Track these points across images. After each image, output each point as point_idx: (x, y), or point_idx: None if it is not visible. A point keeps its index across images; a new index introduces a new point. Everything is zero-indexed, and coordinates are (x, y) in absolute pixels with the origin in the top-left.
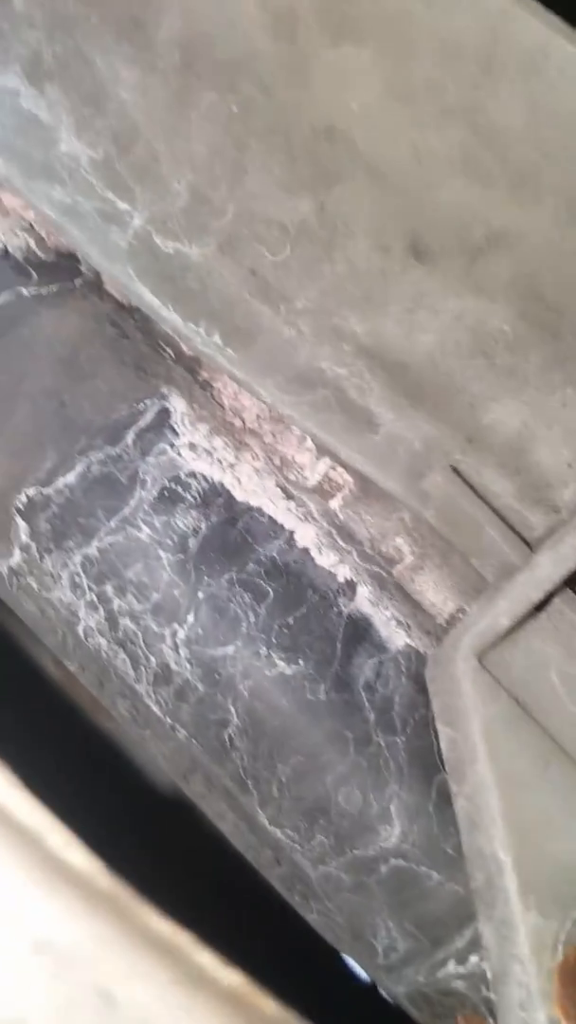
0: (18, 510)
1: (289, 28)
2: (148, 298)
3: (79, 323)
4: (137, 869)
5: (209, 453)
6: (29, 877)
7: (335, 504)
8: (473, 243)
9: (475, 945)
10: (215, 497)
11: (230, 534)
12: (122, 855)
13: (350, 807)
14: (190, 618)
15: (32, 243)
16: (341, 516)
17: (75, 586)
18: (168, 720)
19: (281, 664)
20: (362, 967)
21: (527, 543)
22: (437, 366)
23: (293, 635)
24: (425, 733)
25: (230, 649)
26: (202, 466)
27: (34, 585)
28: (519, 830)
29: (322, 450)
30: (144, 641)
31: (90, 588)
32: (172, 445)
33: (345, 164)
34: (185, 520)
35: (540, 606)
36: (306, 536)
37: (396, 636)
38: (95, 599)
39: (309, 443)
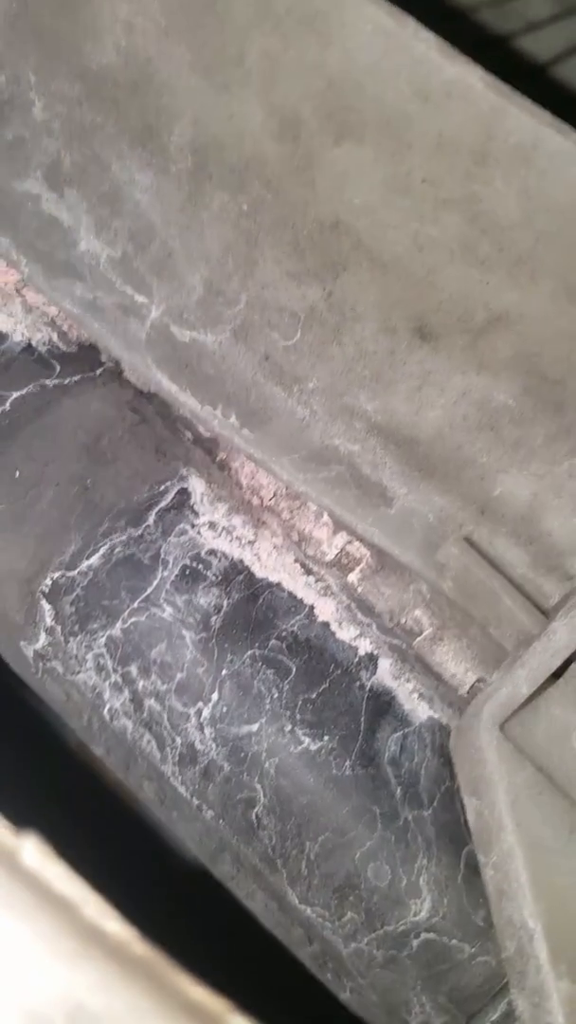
0: (43, 593)
1: (294, 131)
2: (167, 384)
3: (101, 410)
4: (171, 937)
5: (228, 531)
6: (65, 945)
7: (353, 578)
8: (475, 323)
9: (509, 1017)
10: (236, 574)
11: (251, 610)
12: (156, 924)
13: (379, 882)
14: (214, 696)
15: (55, 336)
16: (360, 589)
17: (100, 668)
18: (195, 801)
19: (306, 740)
20: None
21: (543, 611)
22: (446, 440)
23: (317, 710)
24: (451, 805)
25: (255, 727)
26: (222, 544)
27: (59, 668)
28: (548, 897)
29: (339, 525)
30: (169, 721)
31: (115, 669)
32: (192, 525)
33: (350, 254)
34: (207, 598)
35: (558, 673)
36: (326, 610)
37: (419, 709)
38: (120, 680)
39: (326, 518)
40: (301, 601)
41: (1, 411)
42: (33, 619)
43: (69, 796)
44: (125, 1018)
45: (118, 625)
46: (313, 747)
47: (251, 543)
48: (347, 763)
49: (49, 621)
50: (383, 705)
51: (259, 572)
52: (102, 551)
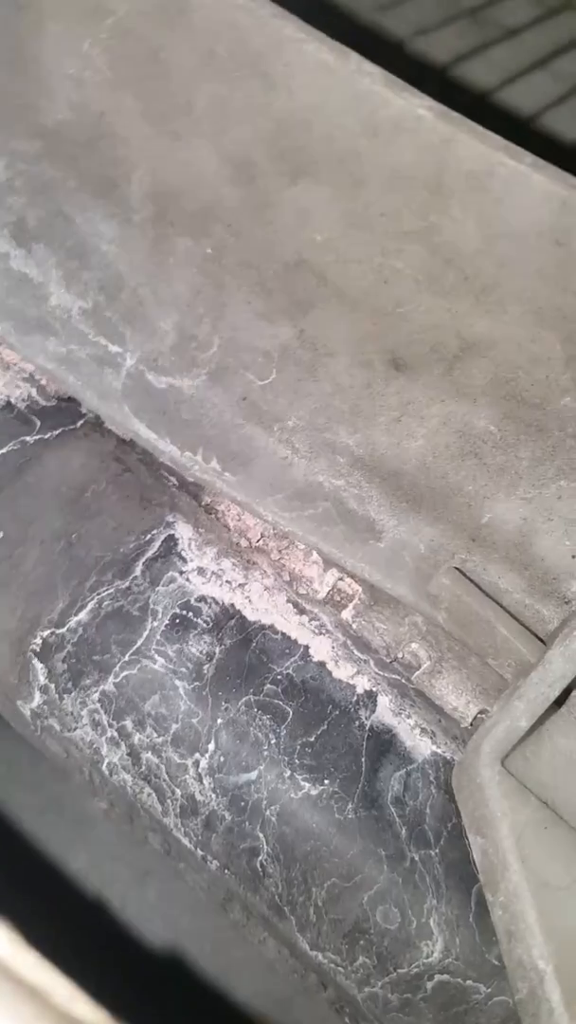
0: (35, 652)
1: (248, 174)
2: (145, 433)
3: (83, 463)
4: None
5: (218, 575)
6: None
7: (347, 614)
8: (449, 352)
9: None
10: (227, 619)
11: (245, 655)
12: (127, 1006)
13: (389, 925)
14: (211, 746)
15: (34, 391)
16: (354, 626)
17: (95, 724)
18: (199, 852)
19: (306, 785)
20: None
21: (540, 638)
22: (431, 470)
23: (316, 754)
24: (459, 843)
25: (253, 775)
26: (212, 589)
27: (56, 726)
28: (558, 937)
29: (329, 562)
30: (168, 774)
31: (110, 724)
32: (181, 572)
33: (317, 291)
34: (199, 646)
35: (560, 700)
36: (321, 649)
37: (421, 745)
38: (116, 735)
39: (316, 556)
40: (295, 642)
41: None
42: (27, 678)
43: (33, 884)
44: None
45: (110, 680)
46: (314, 792)
47: (241, 586)
48: (349, 806)
49: (42, 680)
50: (384, 743)
51: (251, 615)
52: (90, 606)
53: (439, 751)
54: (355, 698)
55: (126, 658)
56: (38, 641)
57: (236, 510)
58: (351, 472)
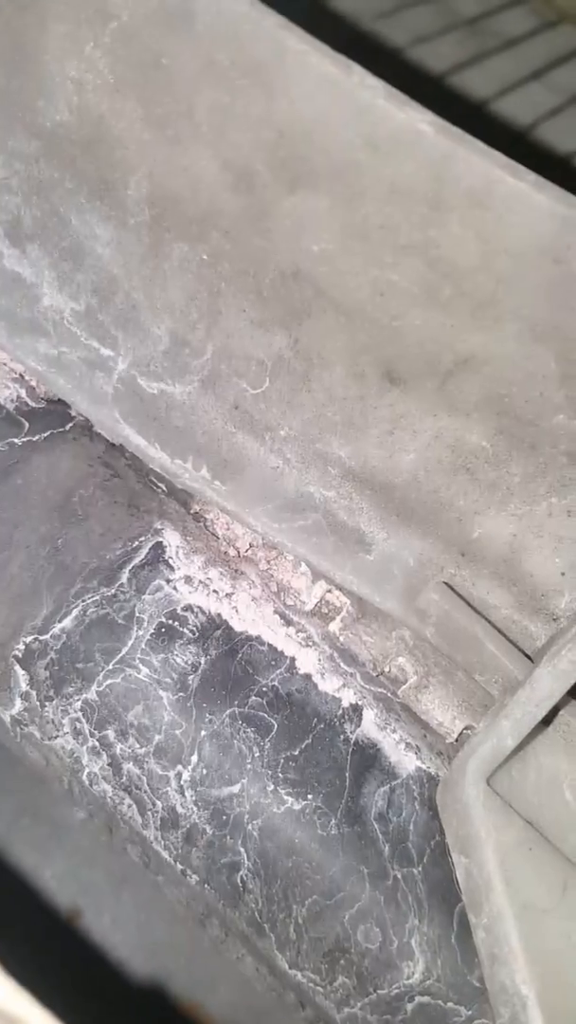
0: (16, 658)
1: (248, 182)
2: (135, 439)
3: (71, 466)
4: None
5: (205, 584)
6: None
7: (334, 627)
8: (443, 366)
9: None
10: (213, 629)
11: (230, 666)
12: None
13: (370, 945)
14: (194, 758)
15: (23, 392)
16: (341, 639)
17: (77, 732)
18: (179, 866)
19: (289, 800)
20: None
21: (527, 655)
22: (422, 484)
23: (300, 768)
24: (442, 861)
25: (236, 788)
26: (199, 598)
27: (37, 734)
28: (540, 961)
29: (317, 574)
30: (149, 785)
31: (91, 734)
32: (168, 580)
33: (313, 301)
34: (184, 656)
35: (547, 719)
36: (307, 662)
37: (406, 760)
38: (97, 744)
39: (304, 567)
40: (282, 653)
41: None
42: (8, 685)
43: (5, 891)
44: None
45: (93, 688)
46: (297, 807)
47: (229, 596)
48: (332, 822)
49: (24, 686)
50: (368, 758)
51: (238, 626)
52: (75, 613)
53: (424, 767)
54: (340, 712)
55: (110, 667)
56: (20, 647)
57: (225, 519)
58: (342, 484)
